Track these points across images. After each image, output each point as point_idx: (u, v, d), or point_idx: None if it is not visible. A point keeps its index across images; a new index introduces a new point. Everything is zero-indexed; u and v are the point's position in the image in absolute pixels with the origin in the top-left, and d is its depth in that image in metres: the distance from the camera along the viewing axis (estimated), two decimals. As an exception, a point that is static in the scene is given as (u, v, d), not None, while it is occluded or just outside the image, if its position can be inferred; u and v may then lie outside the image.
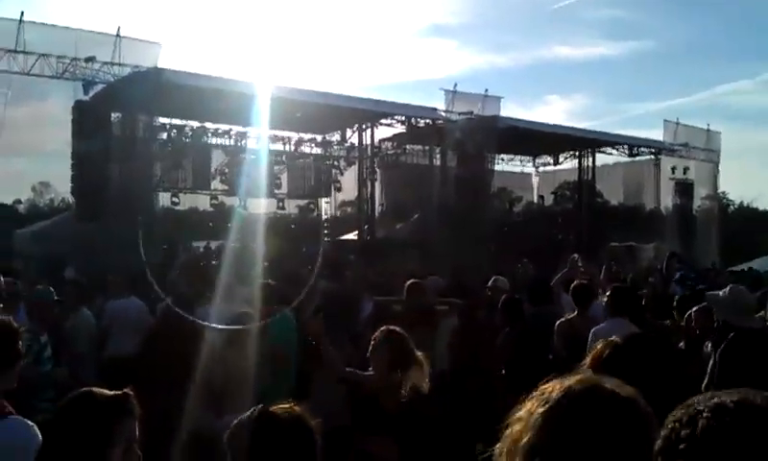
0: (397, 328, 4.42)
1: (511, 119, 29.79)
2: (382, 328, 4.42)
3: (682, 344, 6.46)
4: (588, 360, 2.24)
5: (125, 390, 2.12)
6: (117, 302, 7.88)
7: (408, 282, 7.72)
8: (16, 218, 28.70)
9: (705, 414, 1.10)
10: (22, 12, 24.44)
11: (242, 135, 28.36)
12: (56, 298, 6.23)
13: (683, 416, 1.14)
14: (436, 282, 10.96)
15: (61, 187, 28.53)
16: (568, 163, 37.74)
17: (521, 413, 1.43)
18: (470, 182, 28.33)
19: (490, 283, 9.13)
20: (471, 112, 29.58)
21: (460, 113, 29.64)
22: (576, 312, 7.06)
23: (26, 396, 2.80)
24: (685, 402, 1.17)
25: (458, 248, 22.60)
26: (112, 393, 2.10)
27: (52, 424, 2.09)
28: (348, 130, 31.15)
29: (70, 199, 26.75)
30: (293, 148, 30.66)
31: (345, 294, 8.94)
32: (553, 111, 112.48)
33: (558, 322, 6.88)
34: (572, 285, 7.40)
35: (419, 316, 7.14)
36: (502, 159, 35.99)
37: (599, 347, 2.33)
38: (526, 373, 6.52)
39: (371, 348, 4.36)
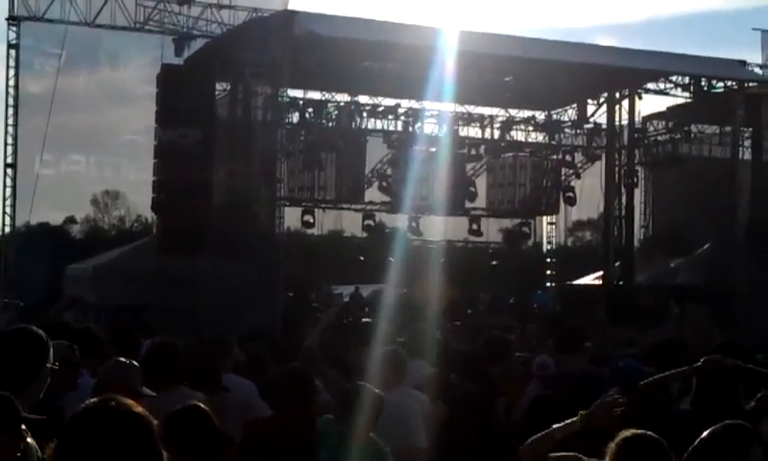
0: None
1: None
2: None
3: None
4: None
5: None
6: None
7: None
8: (69, 245, 30.76)
9: None
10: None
11: (415, 115, 29.04)
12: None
13: None
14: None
15: (138, 200, 30.23)
16: None
17: None
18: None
19: None
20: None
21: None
22: None
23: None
24: None
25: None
26: None
27: None
28: (589, 102, 30.93)
29: (150, 217, 28.50)
30: (497, 134, 30.91)
31: (582, 376, 8.90)
32: None
33: None
34: None
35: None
36: None
37: None
38: None
39: None
